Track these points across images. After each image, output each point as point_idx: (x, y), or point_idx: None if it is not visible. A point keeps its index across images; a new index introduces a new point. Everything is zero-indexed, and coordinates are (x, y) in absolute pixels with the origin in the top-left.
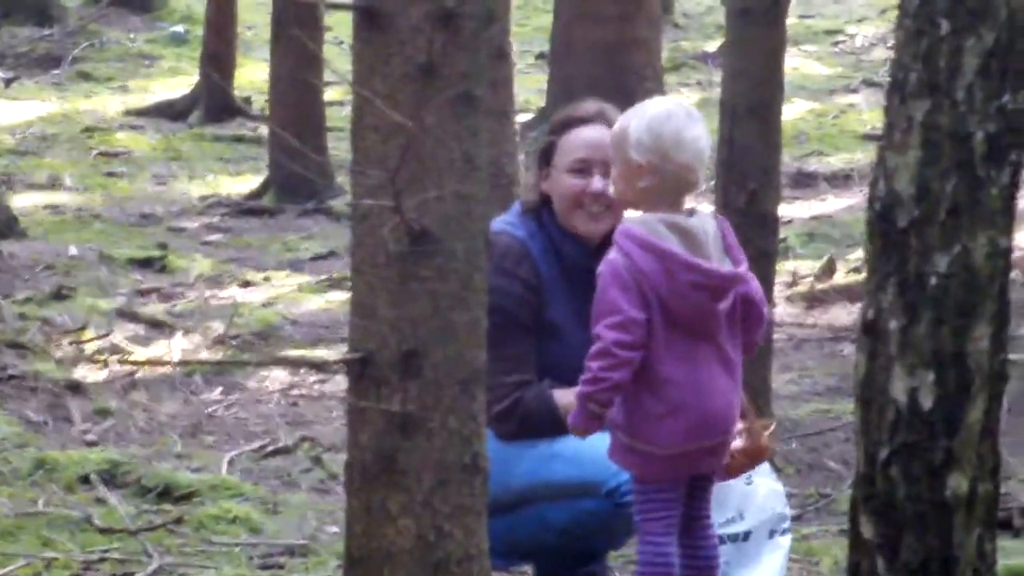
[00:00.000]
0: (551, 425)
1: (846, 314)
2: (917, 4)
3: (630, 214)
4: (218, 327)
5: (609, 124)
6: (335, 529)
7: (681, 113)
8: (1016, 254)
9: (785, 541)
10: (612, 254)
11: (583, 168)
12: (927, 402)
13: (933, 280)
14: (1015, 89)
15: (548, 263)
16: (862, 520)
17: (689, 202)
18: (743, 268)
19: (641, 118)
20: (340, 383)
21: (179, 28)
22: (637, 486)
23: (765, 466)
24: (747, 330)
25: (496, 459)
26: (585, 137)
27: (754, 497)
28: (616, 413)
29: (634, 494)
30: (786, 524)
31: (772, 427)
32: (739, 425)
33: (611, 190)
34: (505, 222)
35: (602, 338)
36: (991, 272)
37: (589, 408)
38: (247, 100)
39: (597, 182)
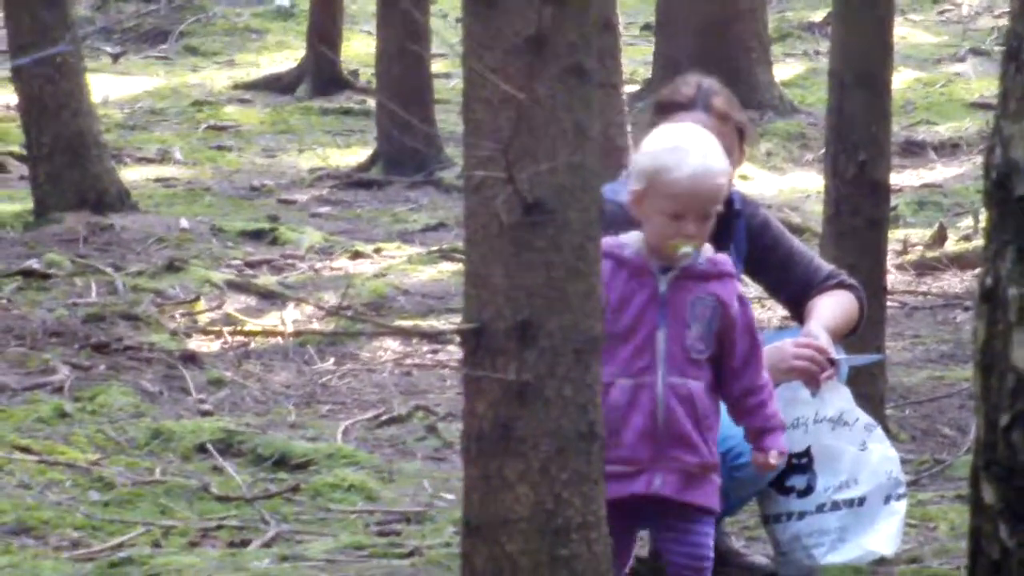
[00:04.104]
0: None
1: (958, 282)
2: None
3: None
4: (330, 298)
5: (708, 109)
6: (451, 497)
7: None
8: None
9: (901, 506)
10: (738, 298)
11: None
12: None
13: None
14: None
15: None
16: (983, 486)
17: None
18: None
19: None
20: (453, 352)
21: (285, 2)
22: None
23: (879, 431)
24: None
25: None
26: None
27: (868, 462)
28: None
29: (708, 532)
30: (901, 489)
31: None
32: None
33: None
34: (613, 189)
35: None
36: None
37: None
38: (354, 73)
39: None
